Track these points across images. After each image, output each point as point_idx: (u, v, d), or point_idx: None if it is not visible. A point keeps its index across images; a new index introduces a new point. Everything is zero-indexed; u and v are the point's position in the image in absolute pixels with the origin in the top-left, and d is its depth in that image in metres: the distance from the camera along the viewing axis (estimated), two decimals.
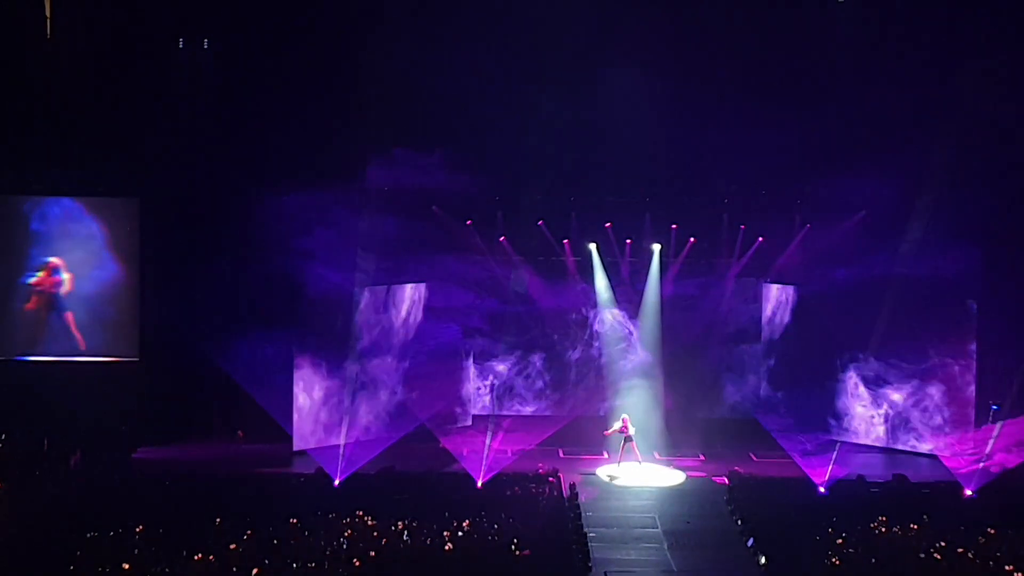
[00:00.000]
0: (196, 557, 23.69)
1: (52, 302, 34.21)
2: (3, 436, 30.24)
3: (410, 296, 35.22)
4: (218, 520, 26.11)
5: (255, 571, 23.01)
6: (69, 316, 34.19)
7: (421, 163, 33.09)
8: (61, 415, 32.45)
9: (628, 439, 32.18)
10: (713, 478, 31.46)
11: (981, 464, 31.15)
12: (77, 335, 34.22)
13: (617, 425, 32.39)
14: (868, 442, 34.27)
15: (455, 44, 32.67)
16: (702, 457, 33.67)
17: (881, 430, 34.27)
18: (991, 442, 31.96)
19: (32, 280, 34.19)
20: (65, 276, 34.18)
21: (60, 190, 34.06)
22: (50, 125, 33.50)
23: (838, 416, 34.17)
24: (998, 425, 32.32)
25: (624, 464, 32.20)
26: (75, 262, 34.27)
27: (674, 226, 35.11)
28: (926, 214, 32.64)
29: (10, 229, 34.24)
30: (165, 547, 24.42)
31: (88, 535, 25.09)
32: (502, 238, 35.37)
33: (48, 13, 33.53)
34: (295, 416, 33.34)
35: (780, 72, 33.84)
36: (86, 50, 33.69)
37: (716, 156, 34.01)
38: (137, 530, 25.37)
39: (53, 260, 34.20)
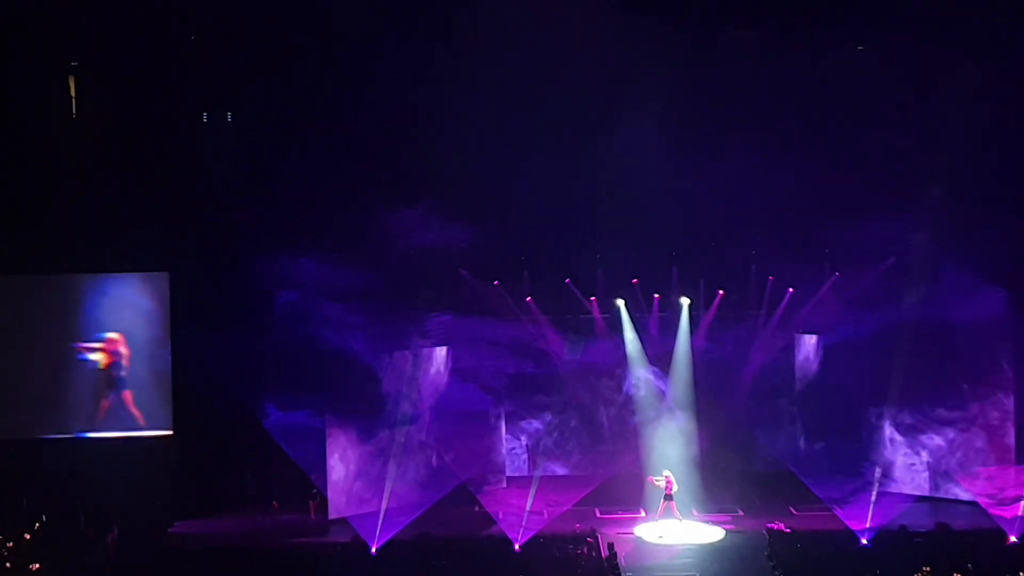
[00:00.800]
0: None
1: (111, 380, 34.30)
2: (37, 525, 30.15)
3: (439, 359, 35.18)
4: None
5: None
6: (127, 394, 34.22)
7: (443, 224, 33.19)
8: (97, 492, 32.37)
9: (669, 497, 31.96)
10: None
11: (1020, 510, 30.84)
12: (136, 412, 34.22)
13: (661, 482, 32.14)
14: (909, 491, 33.97)
15: (475, 107, 32.73)
16: (740, 512, 33.39)
17: (921, 478, 33.98)
18: None
19: (92, 356, 34.31)
20: (124, 352, 34.25)
21: (89, 267, 34.19)
22: (78, 202, 33.65)
23: (876, 465, 33.89)
24: None
25: (663, 521, 31.95)
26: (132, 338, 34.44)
27: (702, 281, 35.02)
28: (956, 258, 32.49)
29: (62, 306, 34.35)
30: None
31: None
32: (528, 298, 35.32)
33: (73, 93, 33.86)
34: (329, 484, 33.24)
35: (802, 120, 33.81)
36: (111, 127, 33.97)
37: (741, 207, 33.90)
38: None
39: (112, 336, 34.30)
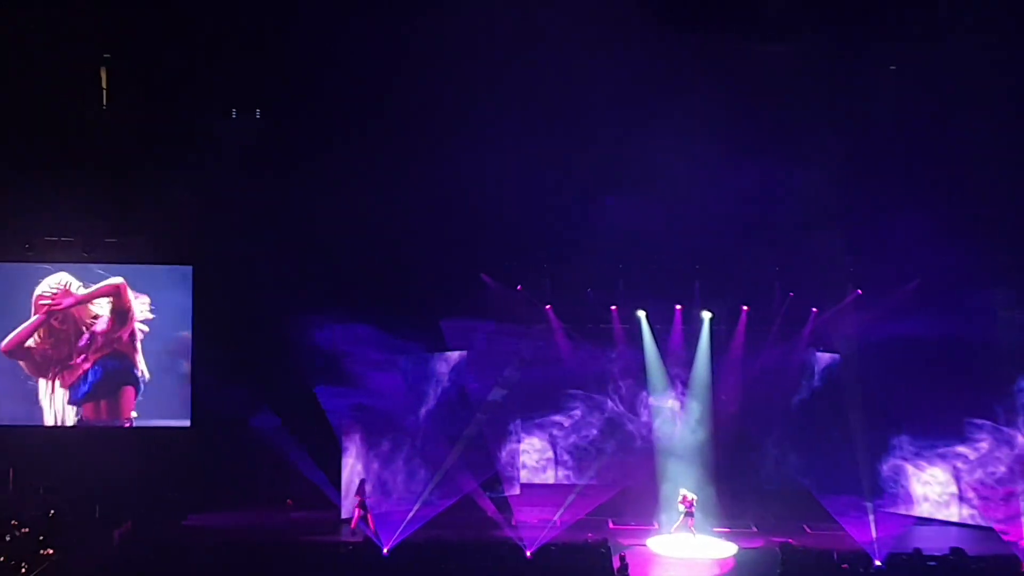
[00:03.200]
0: None
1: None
2: (52, 512, 30.26)
3: (456, 363, 35.17)
4: None
5: None
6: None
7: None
8: (113, 482, 32.47)
9: (690, 514, 31.92)
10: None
11: None
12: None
13: (690, 495, 32.13)
14: (925, 514, 33.81)
15: (499, 116, 32.82)
16: (754, 529, 33.27)
17: (938, 501, 33.81)
18: None
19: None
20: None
21: (114, 258, 34.36)
22: (106, 193, 33.78)
23: (892, 487, 33.77)
24: None
25: (677, 534, 31.88)
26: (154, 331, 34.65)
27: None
28: (982, 278, 32.35)
29: None
30: None
31: None
32: (548, 306, 35.28)
33: (104, 84, 34.00)
34: (343, 483, 33.30)
35: (832, 133, 33.51)
36: (141, 119, 34.10)
37: (764, 220, 33.81)
38: None
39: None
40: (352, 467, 33.61)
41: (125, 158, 33.86)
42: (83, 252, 34.34)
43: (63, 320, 34.31)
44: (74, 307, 34.30)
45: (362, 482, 32.83)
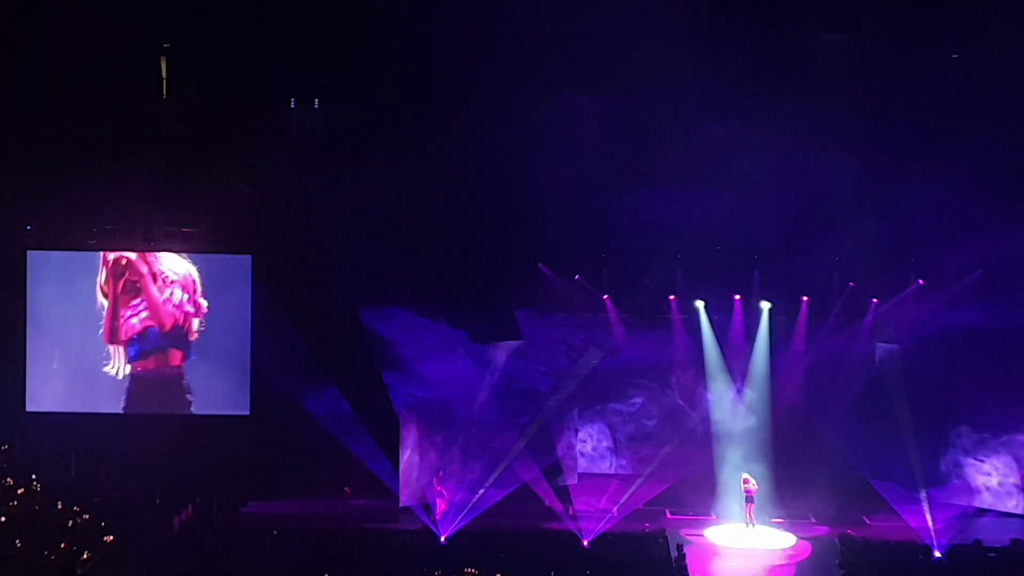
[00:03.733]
0: None
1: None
2: (100, 499, 30.63)
3: (514, 353, 35.19)
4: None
5: None
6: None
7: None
8: (174, 470, 32.80)
9: (750, 500, 31.80)
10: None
11: None
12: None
13: (752, 484, 32.19)
14: (986, 505, 33.47)
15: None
16: (813, 520, 33.06)
17: (1000, 493, 33.46)
18: None
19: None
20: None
21: (174, 247, 34.68)
22: (165, 184, 34.07)
23: (953, 479, 33.47)
24: None
25: (736, 525, 31.76)
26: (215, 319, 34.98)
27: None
28: None
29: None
30: None
31: None
32: (605, 296, 35.21)
33: (164, 74, 34.29)
34: (402, 472, 33.46)
35: (891, 129, 33.32)
36: (201, 109, 34.38)
37: (823, 210, 33.58)
38: None
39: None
40: (411, 455, 33.73)
41: (185, 148, 34.12)
42: (144, 241, 34.63)
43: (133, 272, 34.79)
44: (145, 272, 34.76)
45: (439, 470, 32.94)
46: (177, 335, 34.86)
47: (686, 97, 32.82)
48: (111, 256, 34.58)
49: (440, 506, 32.31)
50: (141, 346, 34.88)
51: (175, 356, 34.85)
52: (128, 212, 34.49)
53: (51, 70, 32.27)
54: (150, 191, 33.95)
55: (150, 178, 33.58)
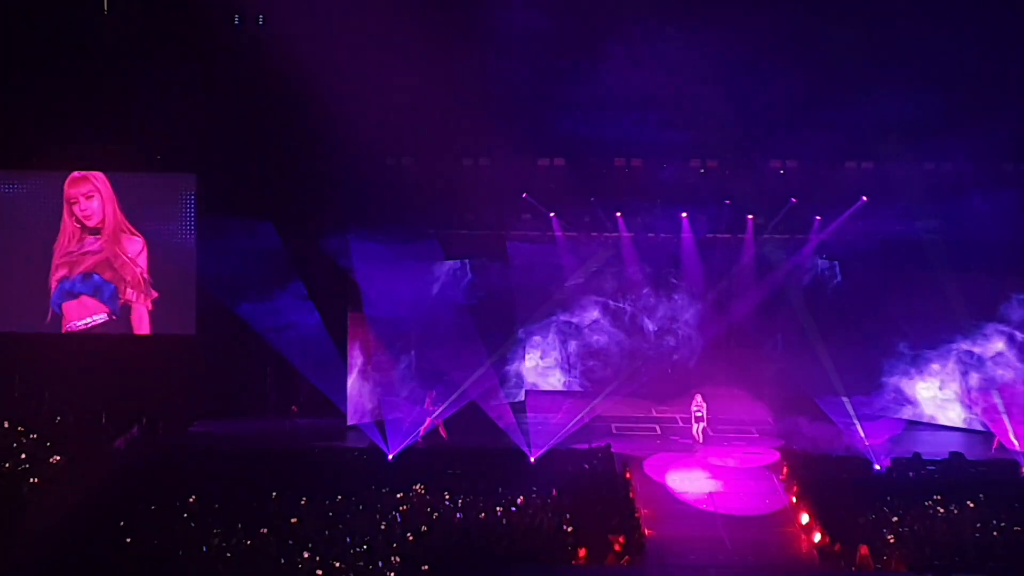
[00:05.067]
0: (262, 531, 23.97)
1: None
2: (58, 419, 30.52)
3: (460, 271, 35.23)
4: (275, 494, 26.30)
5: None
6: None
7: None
8: (119, 390, 32.65)
9: (699, 419, 32.20)
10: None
11: None
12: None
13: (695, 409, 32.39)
14: (924, 419, 34.03)
15: None
16: (755, 433, 33.49)
17: (940, 406, 34.01)
18: None
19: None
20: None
21: (119, 166, 34.23)
22: (108, 101, 33.56)
23: (892, 392, 33.95)
24: None
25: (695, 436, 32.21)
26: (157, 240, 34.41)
27: (727, 201, 34.75)
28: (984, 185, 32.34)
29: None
30: (220, 520, 24.65)
31: (144, 507, 25.38)
32: (552, 214, 35.19)
33: None
34: (349, 390, 33.54)
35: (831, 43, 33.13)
36: (143, 26, 33.79)
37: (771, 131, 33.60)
38: (191, 500, 25.74)
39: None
40: (358, 374, 33.82)
41: (126, 64, 33.56)
42: (81, 159, 34.11)
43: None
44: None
45: (432, 392, 33.12)
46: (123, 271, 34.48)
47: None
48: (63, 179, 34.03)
49: (429, 425, 32.39)
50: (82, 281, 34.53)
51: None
52: (68, 131, 33.89)
53: None
54: (93, 108, 33.42)
55: (95, 97, 33.07)
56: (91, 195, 33.92)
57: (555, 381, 36.48)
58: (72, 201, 33.80)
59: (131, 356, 33.69)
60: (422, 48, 31.69)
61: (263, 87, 33.40)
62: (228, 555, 23.18)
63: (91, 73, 33.40)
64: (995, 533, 24.48)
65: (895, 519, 25.28)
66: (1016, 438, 31.56)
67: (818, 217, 34.62)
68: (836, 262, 34.86)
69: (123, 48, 33.64)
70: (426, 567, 22.43)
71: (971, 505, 26.16)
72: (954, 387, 33.90)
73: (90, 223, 33.86)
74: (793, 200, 34.51)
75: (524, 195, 34.94)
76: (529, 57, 32.73)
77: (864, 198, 34.17)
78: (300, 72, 32.22)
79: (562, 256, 35.61)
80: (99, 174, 33.83)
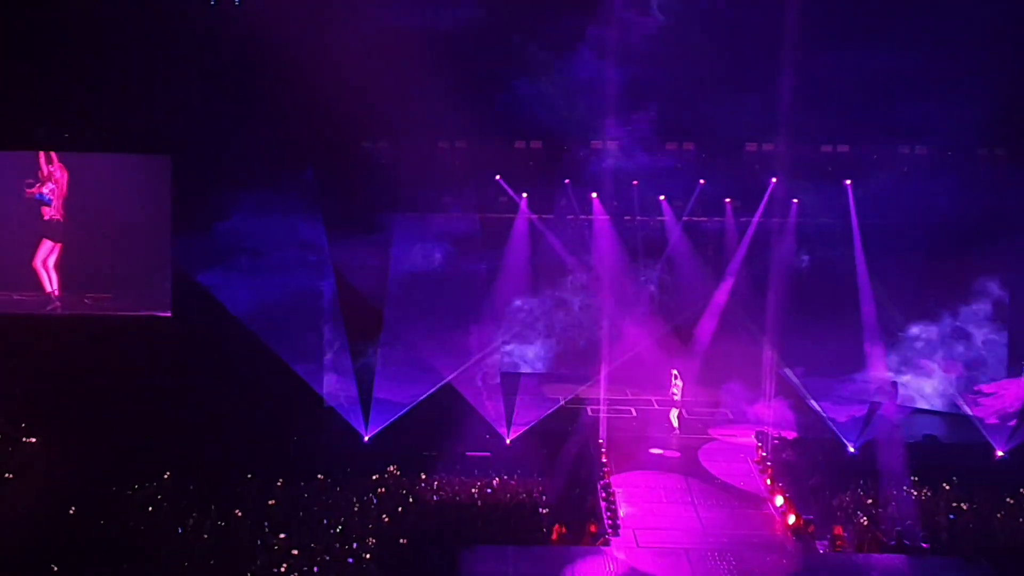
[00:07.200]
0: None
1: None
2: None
3: (433, 253, 35.23)
4: (250, 476, 26.28)
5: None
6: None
7: None
8: (94, 370, 32.52)
9: (676, 403, 32.40)
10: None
11: (1012, 424, 30.97)
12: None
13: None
14: (899, 402, 34.14)
15: None
16: (729, 415, 33.59)
17: (917, 389, 34.16)
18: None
19: None
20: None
21: (93, 147, 34.05)
22: (84, 81, 33.35)
23: (867, 375, 34.04)
24: None
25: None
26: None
27: (702, 181, 34.80)
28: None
29: None
30: (195, 502, 24.65)
31: (120, 489, 25.35)
32: (524, 195, 35.17)
33: None
34: (325, 373, 33.53)
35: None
36: (117, 3, 33.58)
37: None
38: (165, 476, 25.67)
39: None
40: (334, 357, 33.80)
41: (99, 44, 33.37)
42: (51, 140, 33.96)
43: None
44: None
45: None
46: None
47: None
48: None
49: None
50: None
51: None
52: (45, 112, 33.71)
53: None
54: (68, 88, 33.25)
55: (69, 77, 32.90)
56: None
57: (532, 362, 36.47)
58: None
59: (108, 337, 33.53)
60: (400, 28, 31.67)
61: (238, 68, 33.22)
62: (204, 536, 23.20)
63: (64, 53, 33.11)
64: (968, 515, 24.61)
65: (869, 501, 25.42)
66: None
67: (795, 200, 34.65)
68: (812, 245, 34.84)
69: (97, 28, 33.35)
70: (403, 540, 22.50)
71: (945, 487, 26.31)
72: (930, 370, 34.00)
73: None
74: (774, 180, 34.47)
75: (497, 176, 34.96)
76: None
77: (848, 181, 34.17)
78: (276, 53, 32.22)
79: (540, 238, 35.61)
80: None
